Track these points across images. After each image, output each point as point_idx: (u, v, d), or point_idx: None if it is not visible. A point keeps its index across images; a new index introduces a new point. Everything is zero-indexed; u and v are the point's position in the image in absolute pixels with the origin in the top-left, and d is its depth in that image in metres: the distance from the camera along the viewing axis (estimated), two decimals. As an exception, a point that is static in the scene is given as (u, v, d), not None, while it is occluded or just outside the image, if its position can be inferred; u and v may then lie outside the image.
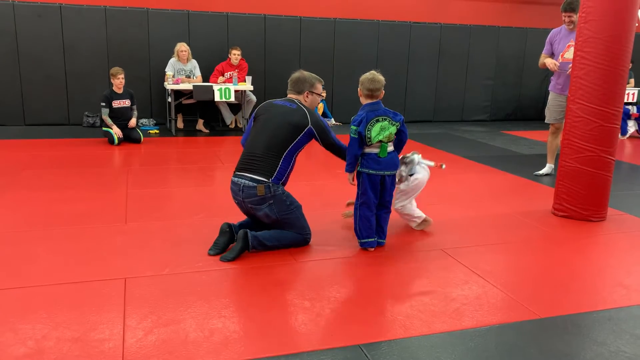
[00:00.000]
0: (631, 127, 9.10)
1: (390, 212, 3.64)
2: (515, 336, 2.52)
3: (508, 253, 3.62)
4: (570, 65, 5.12)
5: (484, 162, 6.59)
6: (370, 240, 3.53)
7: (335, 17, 9.61)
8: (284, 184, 3.52)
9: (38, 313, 2.58)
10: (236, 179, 3.47)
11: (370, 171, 3.46)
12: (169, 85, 8.06)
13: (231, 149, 7.11)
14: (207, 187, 5.14)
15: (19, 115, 8.36)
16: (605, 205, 4.34)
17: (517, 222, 4.26)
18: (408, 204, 3.89)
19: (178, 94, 8.34)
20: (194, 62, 8.53)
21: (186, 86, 8.10)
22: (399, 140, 3.59)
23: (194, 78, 8.48)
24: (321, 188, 5.10)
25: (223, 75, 8.51)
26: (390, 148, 3.52)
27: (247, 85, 8.35)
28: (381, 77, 3.51)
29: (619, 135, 8.82)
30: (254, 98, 8.78)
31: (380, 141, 3.43)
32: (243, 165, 3.49)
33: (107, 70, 7.88)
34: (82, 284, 2.92)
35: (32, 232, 3.72)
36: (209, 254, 3.35)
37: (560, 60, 5.50)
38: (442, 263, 3.38)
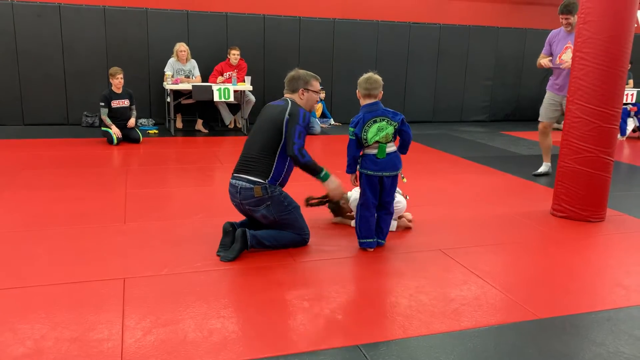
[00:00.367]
0: (630, 125, 9.10)
1: (390, 213, 3.62)
2: (514, 337, 2.52)
3: (507, 254, 3.63)
4: (566, 63, 5.16)
5: (483, 163, 6.60)
6: (369, 240, 3.53)
7: (334, 18, 9.61)
8: (282, 184, 3.51)
9: (37, 313, 2.57)
10: (234, 180, 3.47)
11: (369, 172, 3.45)
12: (168, 85, 8.06)
13: (230, 149, 7.11)
14: (206, 187, 5.13)
15: (18, 115, 8.36)
16: (604, 206, 4.35)
17: (516, 223, 4.27)
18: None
19: (177, 94, 8.34)
20: (193, 62, 8.53)
21: (185, 86, 8.10)
22: (402, 140, 3.57)
23: (193, 78, 8.48)
24: (320, 188, 5.09)
25: (222, 75, 8.50)
26: (391, 149, 3.49)
27: (246, 86, 8.35)
28: (378, 77, 3.51)
29: (618, 135, 8.86)
30: (253, 98, 8.78)
31: (378, 142, 3.42)
32: (240, 167, 3.49)
33: (106, 70, 7.88)
34: (81, 284, 2.92)
35: (31, 232, 3.72)
36: (218, 255, 3.34)
37: (557, 62, 5.54)
38: (441, 263, 3.38)
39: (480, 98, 10.81)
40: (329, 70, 9.70)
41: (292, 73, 3.63)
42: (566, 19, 5.33)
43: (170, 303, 2.72)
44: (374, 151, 3.45)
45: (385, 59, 9.94)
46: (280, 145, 3.43)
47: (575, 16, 5.25)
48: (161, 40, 8.67)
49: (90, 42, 8.43)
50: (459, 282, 3.10)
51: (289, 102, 3.51)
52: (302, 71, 3.65)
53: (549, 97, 5.71)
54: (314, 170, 3.47)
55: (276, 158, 3.43)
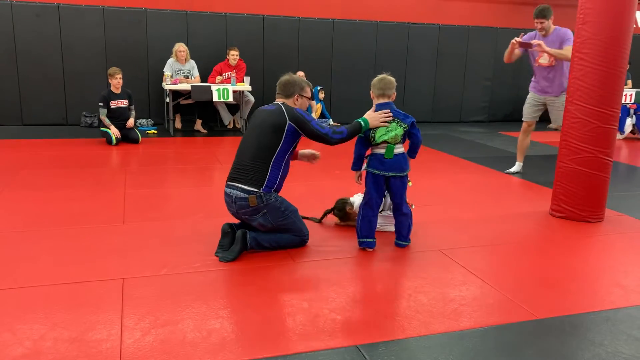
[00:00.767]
0: (629, 126, 9.12)
1: (405, 214, 3.59)
2: (513, 337, 2.52)
3: (506, 254, 3.63)
4: (535, 42, 5.26)
5: (482, 163, 6.60)
6: (369, 240, 3.53)
7: (333, 18, 9.62)
8: (277, 191, 3.46)
9: (36, 313, 2.57)
10: (228, 189, 3.42)
11: (375, 171, 3.47)
12: (167, 86, 8.06)
13: (229, 150, 7.10)
14: (205, 188, 5.13)
15: (16, 115, 8.35)
16: (602, 206, 4.35)
17: (515, 223, 4.27)
18: (389, 226, 3.87)
19: (176, 94, 8.34)
20: (192, 62, 8.53)
21: (184, 86, 8.10)
22: (412, 144, 3.60)
23: (192, 78, 8.48)
24: (319, 188, 5.10)
25: (221, 76, 8.50)
26: (399, 150, 3.50)
27: (245, 86, 8.35)
28: (392, 79, 3.59)
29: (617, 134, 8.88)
30: (252, 98, 8.78)
31: (386, 142, 3.44)
32: (234, 175, 3.44)
33: (105, 70, 7.87)
34: (80, 284, 2.91)
35: (29, 232, 3.71)
36: (217, 256, 3.34)
37: (536, 65, 5.64)
38: (440, 264, 3.38)
39: (479, 98, 10.82)
40: (328, 70, 9.71)
41: (286, 77, 3.57)
42: (541, 22, 5.42)
43: (169, 303, 2.72)
44: (382, 151, 3.47)
45: (384, 60, 9.94)
46: (276, 151, 3.37)
47: (550, 21, 5.39)
48: (160, 40, 8.67)
49: (89, 43, 8.43)
50: (458, 283, 3.10)
51: (282, 105, 3.45)
52: (296, 77, 3.61)
53: (530, 97, 5.84)
54: (357, 132, 3.49)
55: (270, 165, 3.37)
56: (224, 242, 3.41)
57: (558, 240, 3.92)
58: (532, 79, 5.82)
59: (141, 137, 7.40)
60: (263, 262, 3.29)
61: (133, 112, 7.41)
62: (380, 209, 3.75)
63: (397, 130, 3.45)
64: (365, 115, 3.51)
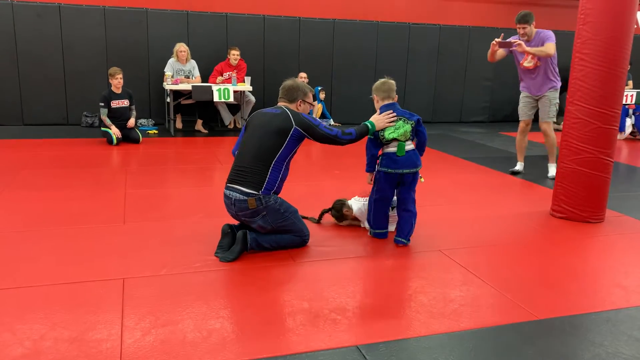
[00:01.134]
0: (628, 126, 9.12)
1: (410, 211, 3.66)
2: (513, 337, 2.52)
3: (506, 254, 3.63)
4: (516, 42, 5.35)
5: (482, 163, 6.60)
6: (383, 231, 3.71)
7: (334, 18, 9.61)
8: (276, 192, 3.46)
9: (36, 313, 2.57)
10: (228, 191, 3.42)
11: (389, 170, 3.55)
12: (168, 86, 8.06)
13: (230, 150, 7.07)
14: (205, 188, 5.13)
15: (17, 115, 8.36)
16: (603, 207, 4.35)
17: (516, 224, 4.27)
18: (391, 225, 3.88)
19: (177, 94, 8.34)
20: (193, 62, 8.53)
21: (185, 86, 8.10)
22: (419, 142, 3.70)
23: (193, 78, 8.48)
24: (319, 189, 5.10)
25: (222, 76, 8.50)
26: (410, 147, 3.60)
27: (246, 86, 8.35)
28: (393, 81, 3.75)
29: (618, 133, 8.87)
30: (252, 98, 8.78)
31: (396, 139, 3.53)
32: (233, 177, 3.44)
33: (106, 70, 7.87)
34: (80, 284, 2.91)
35: (30, 232, 3.72)
36: (216, 256, 3.34)
37: (521, 67, 5.71)
38: (440, 264, 3.38)
39: (479, 99, 10.82)
40: (328, 70, 9.71)
41: (290, 82, 3.61)
42: (523, 28, 5.49)
43: (169, 303, 2.72)
44: (393, 149, 3.55)
45: (385, 60, 9.95)
46: (277, 154, 3.38)
47: (532, 26, 5.47)
48: (161, 40, 8.67)
49: (90, 43, 8.43)
50: (459, 283, 3.10)
51: (287, 110, 3.48)
52: (300, 82, 3.66)
53: (522, 96, 5.92)
54: (364, 134, 3.59)
55: (270, 168, 3.37)
56: (224, 242, 3.41)
57: (558, 240, 3.92)
58: (520, 81, 5.91)
59: (142, 137, 7.41)
60: (263, 262, 3.29)
61: (134, 112, 7.41)
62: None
63: (405, 127, 3.55)
64: (371, 119, 3.60)
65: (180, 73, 8.36)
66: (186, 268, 3.17)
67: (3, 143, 6.97)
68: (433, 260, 3.44)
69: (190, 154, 6.78)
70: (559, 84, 5.66)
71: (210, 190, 5.05)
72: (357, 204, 3.94)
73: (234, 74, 8.34)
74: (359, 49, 9.78)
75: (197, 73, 8.53)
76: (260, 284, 3.01)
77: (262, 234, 3.43)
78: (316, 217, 4.09)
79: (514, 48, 5.44)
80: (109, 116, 7.13)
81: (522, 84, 5.88)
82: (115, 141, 7.02)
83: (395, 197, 3.75)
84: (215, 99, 7.90)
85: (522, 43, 5.36)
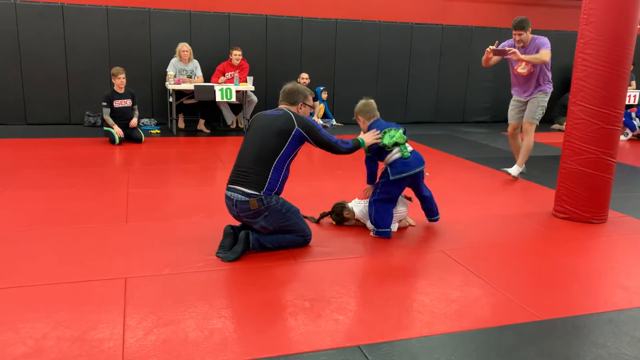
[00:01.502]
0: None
1: (428, 196, 3.99)
2: (516, 338, 2.52)
3: (508, 255, 3.62)
4: (510, 50, 5.33)
5: (484, 164, 6.59)
6: (387, 230, 3.77)
7: (336, 18, 9.61)
8: (277, 193, 3.46)
9: (38, 312, 2.58)
10: (229, 192, 3.42)
11: (403, 174, 3.68)
12: (170, 85, 8.07)
13: (232, 149, 7.10)
14: (207, 187, 5.14)
15: (20, 115, 8.37)
16: (606, 208, 4.34)
17: (518, 224, 4.26)
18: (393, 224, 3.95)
19: (179, 94, 8.35)
20: (196, 62, 8.54)
21: (187, 86, 8.11)
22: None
23: (195, 78, 8.49)
24: (320, 189, 5.10)
25: (224, 76, 8.51)
26: (410, 147, 3.75)
27: (248, 86, 8.36)
28: (372, 100, 3.91)
29: (630, 131, 8.88)
30: (255, 98, 8.78)
31: (397, 144, 3.66)
32: (234, 178, 3.44)
33: (109, 69, 7.88)
34: (82, 284, 2.92)
35: (32, 231, 3.72)
36: (218, 256, 3.34)
37: (515, 73, 5.72)
38: (443, 264, 3.38)
39: (482, 99, 10.80)
40: (331, 70, 9.71)
41: (290, 86, 3.64)
42: (519, 34, 5.47)
43: (171, 303, 2.72)
44: (398, 155, 3.69)
45: (387, 60, 9.94)
46: (278, 155, 3.38)
47: (528, 32, 5.46)
48: (163, 40, 8.68)
49: (92, 42, 8.45)
50: (460, 283, 3.10)
51: (290, 112, 3.50)
52: (300, 85, 3.70)
53: (513, 99, 5.93)
54: (357, 147, 3.70)
55: (271, 169, 3.37)
56: (225, 242, 3.42)
57: (561, 241, 3.91)
58: (512, 85, 5.92)
59: (144, 136, 7.42)
60: (265, 262, 3.30)
61: (136, 112, 7.42)
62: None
63: (397, 131, 3.70)
64: (360, 136, 3.76)
65: (182, 73, 8.37)
66: (188, 268, 3.18)
67: (6, 142, 6.99)
68: (435, 261, 3.44)
69: (193, 153, 6.79)
70: (550, 89, 5.64)
71: (213, 190, 5.06)
72: (359, 206, 3.95)
73: (236, 74, 8.34)
74: (361, 49, 9.78)
75: (199, 73, 8.54)
76: (261, 283, 3.01)
77: (264, 234, 3.43)
78: (316, 217, 4.09)
79: (508, 56, 5.41)
80: (111, 116, 7.14)
81: (513, 88, 5.89)
82: (117, 141, 7.03)
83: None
84: (218, 98, 7.91)
85: (517, 51, 5.31)
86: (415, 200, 4.05)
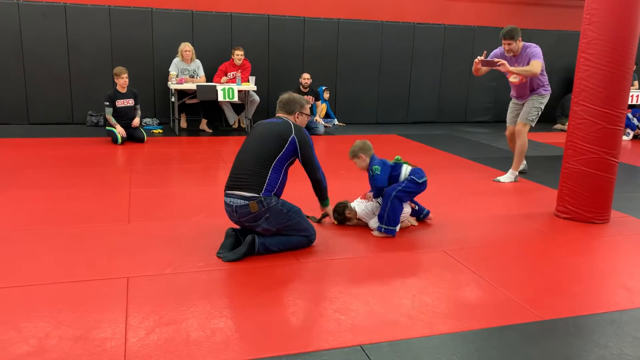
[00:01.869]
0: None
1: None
2: (517, 338, 2.52)
3: (510, 255, 3.62)
4: (498, 61, 5.33)
5: (486, 164, 6.59)
6: (395, 227, 3.82)
7: (339, 18, 9.61)
8: (277, 194, 3.47)
9: (40, 312, 2.58)
10: (228, 199, 3.43)
11: (419, 190, 3.88)
12: (173, 85, 8.08)
13: (234, 149, 7.04)
14: (210, 187, 5.14)
15: (23, 114, 8.39)
16: (608, 208, 4.33)
17: (520, 224, 4.26)
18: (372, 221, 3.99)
19: (181, 93, 8.35)
20: (198, 62, 8.55)
21: (190, 86, 8.11)
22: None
23: (198, 78, 8.49)
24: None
25: (226, 75, 8.52)
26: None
27: (250, 86, 8.36)
28: (366, 140, 4.10)
29: (631, 130, 8.87)
30: (257, 98, 8.78)
31: (402, 163, 3.95)
32: (232, 183, 3.45)
33: (111, 69, 7.89)
34: (85, 283, 2.93)
35: (34, 231, 3.73)
36: (218, 256, 3.34)
37: (508, 79, 5.74)
38: (444, 264, 3.38)
39: (484, 99, 10.79)
40: (333, 70, 9.70)
41: (286, 96, 3.71)
42: (508, 44, 5.42)
43: (173, 302, 2.73)
44: (407, 175, 3.87)
45: (389, 60, 9.93)
46: (278, 156, 3.42)
47: (518, 41, 5.39)
48: (166, 40, 8.69)
49: (95, 42, 8.46)
50: (462, 283, 3.10)
51: (290, 122, 3.57)
52: (296, 95, 3.76)
53: (511, 102, 5.95)
54: (324, 194, 3.76)
55: (270, 170, 3.40)
56: (226, 243, 3.42)
57: (563, 241, 3.91)
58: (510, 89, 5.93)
59: (146, 136, 7.43)
60: (267, 262, 3.30)
61: (139, 112, 7.43)
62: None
63: (396, 157, 4.01)
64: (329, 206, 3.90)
65: (184, 72, 8.37)
66: (190, 267, 3.18)
67: (8, 142, 7.00)
68: (437, 261, 3.44)
69: (195, 153, 6.80)
70: (547, 92, 5.60)
71: (215, 189, 5.06)
72: (360, 205, 3.95)
73: (239, 74, 8.35)
74: (363, 49, 9.77)
75: (201, 72, 8.55)
76: (263, 283, 3.02)
77: (269, 237, 3.43)
78: (317, 217, 4.09)
79: (497, 67, 5.38)
80: (114, 115, 7.15)
81: (511, 92, 5.90)
82: (120, 140, 7.04)
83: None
84: (220, 98, 7.92)
85: (505, 63, 5.27)
86: (416, 200, 4.07)
